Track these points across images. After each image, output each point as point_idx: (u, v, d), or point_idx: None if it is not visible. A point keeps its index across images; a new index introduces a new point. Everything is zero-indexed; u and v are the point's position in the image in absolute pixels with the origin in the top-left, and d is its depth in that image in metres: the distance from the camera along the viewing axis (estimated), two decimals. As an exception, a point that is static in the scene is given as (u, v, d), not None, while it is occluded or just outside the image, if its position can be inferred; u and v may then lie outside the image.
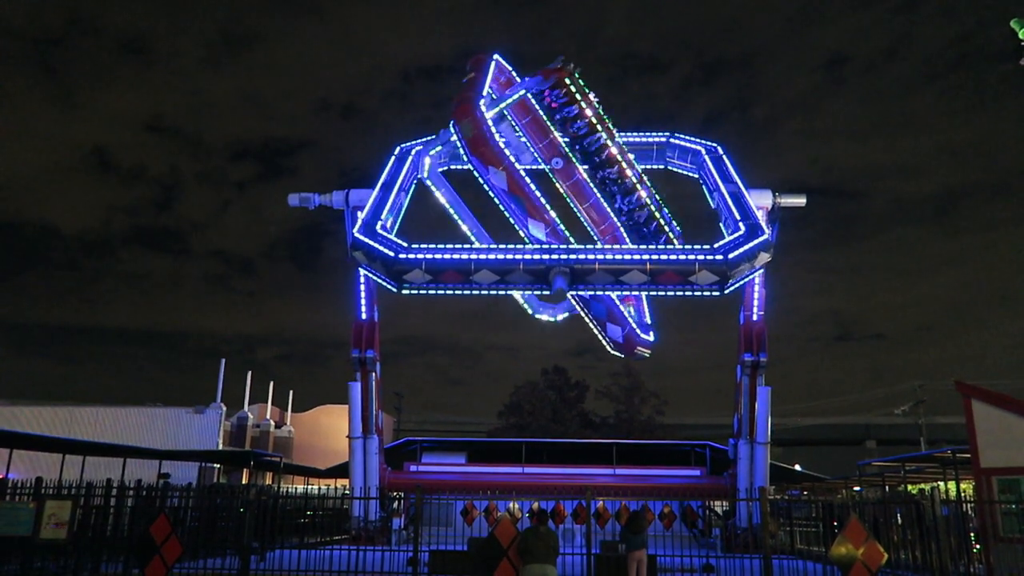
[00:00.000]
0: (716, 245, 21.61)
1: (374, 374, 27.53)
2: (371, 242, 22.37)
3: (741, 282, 21.86)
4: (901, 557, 19.00)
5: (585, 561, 16.17)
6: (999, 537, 15.77)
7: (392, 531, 26.60)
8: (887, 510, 20.06)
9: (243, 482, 42.95)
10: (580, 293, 22.79)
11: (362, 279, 26.97)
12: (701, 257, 20.74)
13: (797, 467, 47.10)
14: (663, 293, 21.78)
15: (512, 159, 23.30)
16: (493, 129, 23.33)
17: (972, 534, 18.49)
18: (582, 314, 25.94)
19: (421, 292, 21.69)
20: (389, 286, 21.95)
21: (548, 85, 25.73)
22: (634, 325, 25.35)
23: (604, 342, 25.81)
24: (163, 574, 13.55)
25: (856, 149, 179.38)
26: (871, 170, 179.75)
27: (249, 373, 56.24)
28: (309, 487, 41.22)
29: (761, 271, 23.49)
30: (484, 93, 24.45)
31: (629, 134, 28.38)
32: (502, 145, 23.25)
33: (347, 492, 27.88)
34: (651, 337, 26.11)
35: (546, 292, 20.99)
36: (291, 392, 63.25)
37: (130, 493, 18.85)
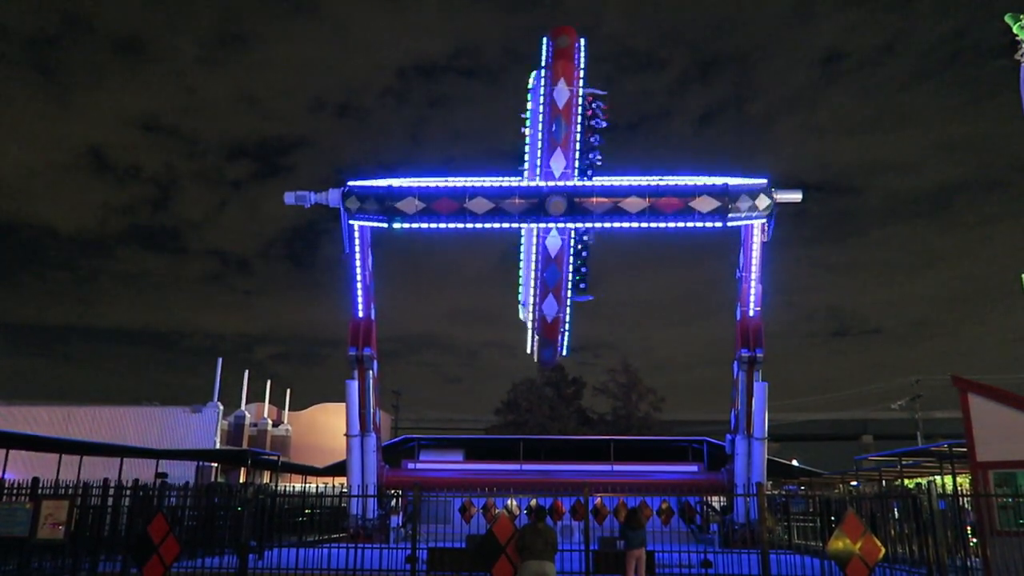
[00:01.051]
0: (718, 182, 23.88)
1: (371, 372, 27.51)
2: (363, 183, 23.72)
3: (742, 221, 21.87)
4: (898, 551, 19.05)
5: (583, 557, 16.19)
6: (995, 531, 15.80)
7: (390, 529, 26.60)
8: (884, 505, 20.11)
9: (241, 481, 42.92)
10: (576, 225, 22.30)
11: (358, 276, 26.92)
12: (701, 182, 20.96)
13: (794, 462, 47.21)
14: (663, 225, 21.75)
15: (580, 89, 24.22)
16: (582, 54, 24.81)
17: (969, 528, 18.55)
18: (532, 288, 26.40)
19: (414, 227, 21.34)
20: (380, 223, 21.95)
21: (599, 97, 26.60)
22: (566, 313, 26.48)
23: (528, 313, 26.41)
24: (161, 573, 13.54)
25: (852, 145, 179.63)
26: (867, 166, 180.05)
27: (246, 372, 56.18)
28: (307, 485, 41.19)
29: (763, 221, 23.60)
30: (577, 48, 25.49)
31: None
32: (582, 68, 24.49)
33: (345, 490, 27.87)
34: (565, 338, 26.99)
35: (543, 225, 20.89)
36: (288, 391, 63.18)
37: (127, 493, 18.82)
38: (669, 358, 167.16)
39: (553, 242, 24.74)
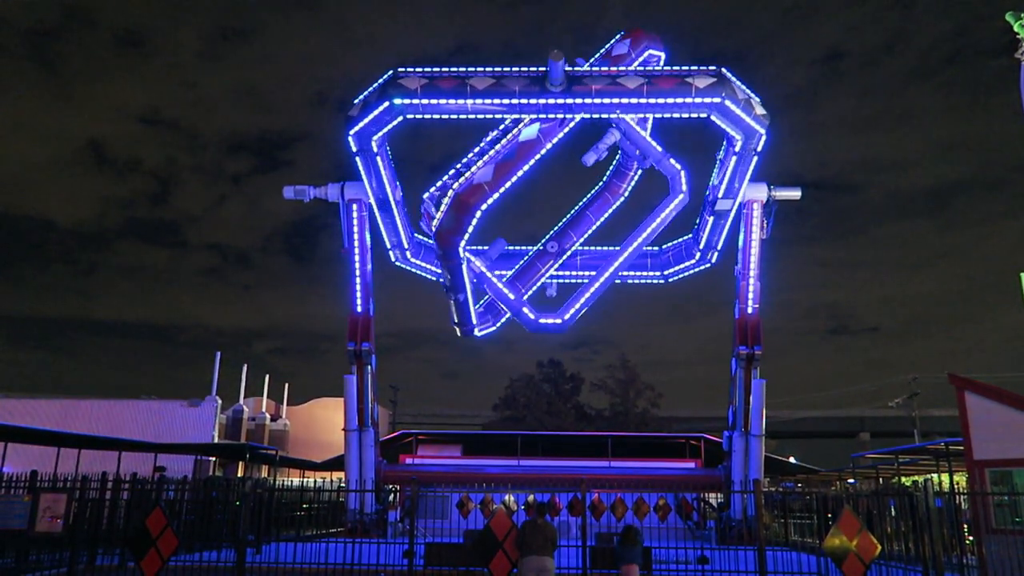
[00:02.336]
0: (666, 272, 29.08)
1: (370, 367, 27.52)
2: (416, 271, 26.71)
3: (739, 111, 21.41)
4: (894, 548, 19.12)
5: (581, 553, 16.24)
6: (992, 529, 15.85)
7: (388, 524, 26.65)
8: (881, 502, 20.17)
9: (239, 475, 42.95)
10: (576, 101, 21.47)
11: (357, 271, 26.90)
12: (696, 68, 21.21)
13: (791, 459, 47.30)
14: (661, 114, 21.86)
15: None
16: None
17: (965, 526, 18.63)
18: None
19: (415, 103, 20.79)
20: (383, 104, 21.12)
21: None
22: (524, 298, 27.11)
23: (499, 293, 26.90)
24: (159, 567, 13.55)
25: (851, 143, 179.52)
26: (867, 164, 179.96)
27: (245, 366, 56.07)
28: (305, 480, 41.23)
29: (761, 138, 22.41)
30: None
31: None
32: None
33: (343, 485, 27.91)
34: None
35: (542, 102, 20.53)
36: (287, 385, 63.10)
37: (125, 486, 18.84)
38: (667, 354, 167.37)
39: (529, 132, 22.95)
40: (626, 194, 28.66)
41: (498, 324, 29.48)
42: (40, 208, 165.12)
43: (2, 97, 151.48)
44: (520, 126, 22.88)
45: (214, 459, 43.58)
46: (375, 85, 21.81)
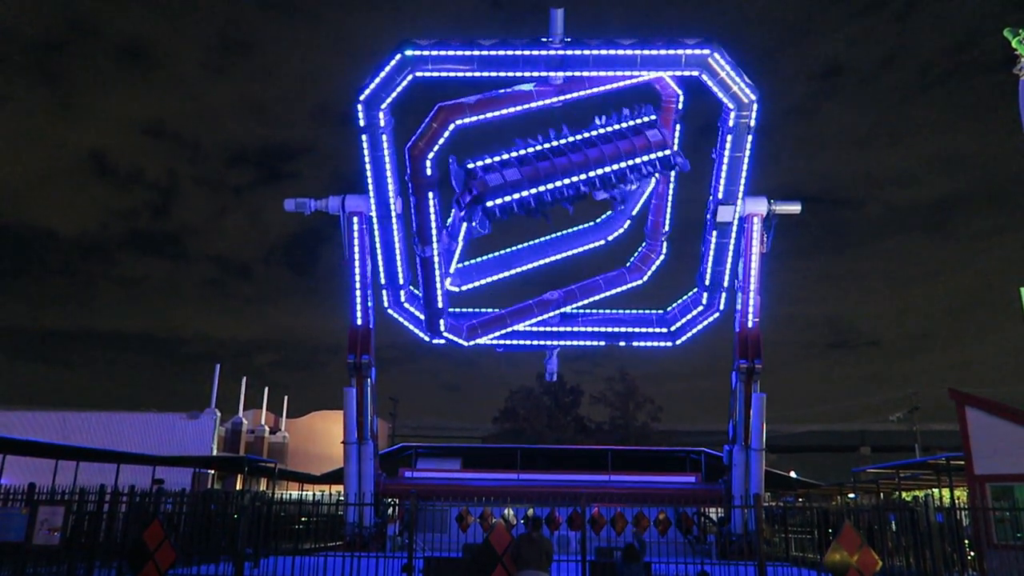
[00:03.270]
0: (674, 329, 28.31)
1: (369, 379, 27.48)
2: (404, 321, 27.51)
3: (724, 84, 22.78)
4: (895, 564, 19.01)
5: (580, 568, 16.16)
6: (993, 544, 15.81)
7: (387, 537, 26.52)
8: (882, 517, 20.08)
9: (237, 488, 42.81)
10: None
11: (357, 284, 26.93)
12: (657, 344, 27.75)
13: (792, 474, 47.16)
14: (653, 70, 23.64)
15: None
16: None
17: (966, 541, 18.54)
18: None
19: (427, 54, 22.48)
20: (393, 59, 22.74)
21: None
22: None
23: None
24: (156, 580, 13.49)
25: (851, 157, 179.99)
26: (867, 178, 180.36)
27: (244, 378, 56.07)
28: (304, 493, 41.10)
29: (753, 105, 23.48)
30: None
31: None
32: None
33: (342, 498, 27.80)
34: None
35: (543, 52, 22.29)
36: (286, 397, 63.00)
37: (123, 499, 18.77)
38: (667, 368, 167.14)
39: (524, 86, 23.82)
40: (645, 279, 29.05)
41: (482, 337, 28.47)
42: (41, 219, 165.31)
43: (5, 108, 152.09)
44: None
45: (213, 472, 43.45)
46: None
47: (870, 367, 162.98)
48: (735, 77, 22.60)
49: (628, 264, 29.36)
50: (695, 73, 22.86)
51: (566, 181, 23.19)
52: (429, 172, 23.18)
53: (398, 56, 22.41)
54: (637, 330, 28.62)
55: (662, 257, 28.99)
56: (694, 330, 28.03)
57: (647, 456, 37.26)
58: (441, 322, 26.78)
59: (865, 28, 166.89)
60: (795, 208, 26.45)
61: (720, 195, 24.51)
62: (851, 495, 36.51)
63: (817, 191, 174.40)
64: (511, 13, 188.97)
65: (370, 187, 25.55)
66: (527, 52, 22.34)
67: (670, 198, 27.68)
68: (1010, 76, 18.23)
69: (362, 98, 23.40)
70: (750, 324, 26.46)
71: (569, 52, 22.28)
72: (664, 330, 28.56)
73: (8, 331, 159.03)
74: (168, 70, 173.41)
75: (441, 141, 22.64)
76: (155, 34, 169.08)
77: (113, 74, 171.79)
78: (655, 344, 28.64)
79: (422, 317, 27.24)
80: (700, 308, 27.46)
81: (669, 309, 28.77)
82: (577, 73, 23.40)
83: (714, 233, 25.66)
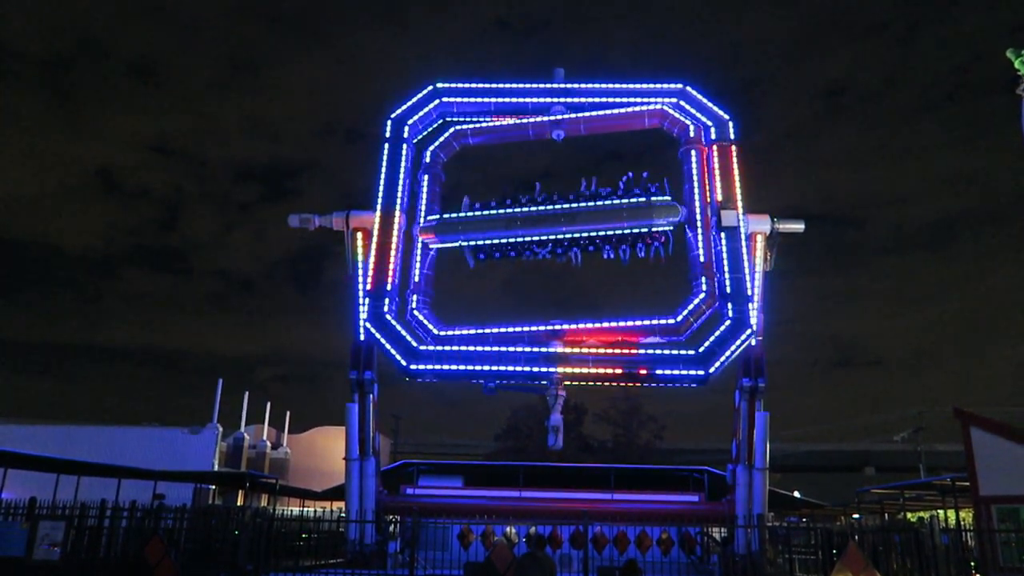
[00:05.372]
0: (701, 349, 24.64)
1: (372, 396, 27.44)
2: (382, 340, 26.12)
3: (699, 104, 27.58)
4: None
5: (582, 587, 16.05)
6: (999, 567, 15.67)
7: (388, 555, 26.34)
8: (886, 538, 19.94)
9: (239, 503, 42.64)
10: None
11: (362, 302, 26.99)
12: (684, 371, 24.43)
13: (796, 493, 46.84)
14: (636, 99, 28.05)
15: None
16: None
17: (972, 563, 18.39)
18: None
19: (453, 86, 28.49)
20: (425, 89, 28.37)
21: None
22: None
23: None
24: (156, 597, 13.44)
25: (854, 176, 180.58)
26: (870, 197, 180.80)
27: (246, 393, 56.03)
28: (305, 509, 40.94)
29: (729, 123, 27.31)
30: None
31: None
32: None
33: (343, 515, 27.67)
34: None
35: (549, 85, 28.38)
36: (288, 413, 62.92)
37: (124, 514, 18.72)
38: (670, 387, 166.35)
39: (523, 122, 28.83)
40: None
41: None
42: (47, 235, 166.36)
43: (15, 125, 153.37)
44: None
45: (214, 487, 43.32)
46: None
47: (874, 386, 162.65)
48: (709, 102, 27.49)
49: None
50: (674, 100, 27.82)
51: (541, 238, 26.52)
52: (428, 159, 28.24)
53: (429, 88, 27.96)
54: (657, 351, 25.04)
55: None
56: (728, 352, 24.54)
57: (650, 475, 37.03)
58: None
59: (868, 49, 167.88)
60: (798, 226, 26.48)
61: (719, 198, 25.61)
62: (855, 515, 36.28)
63: (820, 210, 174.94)
64: (516, 33, 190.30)
65: (380, 193, 26.45)
66: (533, 85, 28.37)
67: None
68: (1012, 96, 18.28)
69: (393, 115, 27.87)
70: (753, 342, 26.40)
71: (568, 85, 28.09)
72: (691, 352, 24.72)
73: (12, 345, 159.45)
74: (175, 88, 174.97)
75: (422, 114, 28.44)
76: (163, 53, 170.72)
77: (122, 92, 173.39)
78: (681, 371, 24.44)
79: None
80: (727, 324, 24.79)
81: (680, 318, 25.52)
82: (575, 101, 28.27)
83: (723, 236, 25.73)
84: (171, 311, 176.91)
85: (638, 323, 25.65)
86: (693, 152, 27.36)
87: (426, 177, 28.17)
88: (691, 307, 25.79)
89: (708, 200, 26.48)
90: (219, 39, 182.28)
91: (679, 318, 25.65)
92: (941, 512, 27.28)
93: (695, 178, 26.98)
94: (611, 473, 34.18)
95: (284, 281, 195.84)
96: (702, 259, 26.20)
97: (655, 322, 25.60)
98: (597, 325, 25.82)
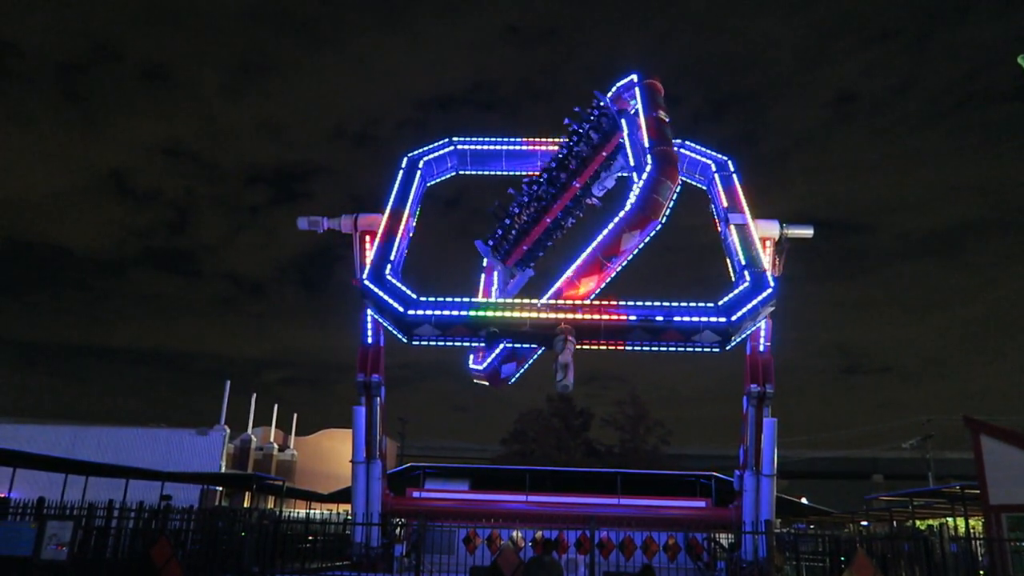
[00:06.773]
0: (720, 303, 21.09)
1: (379, 399, 27.41)
2: (380, 292, 22.63)
3: (700, 152, 27.40)
4: (909, 594, 18.73)
5: (588, 592, 15.99)
6: (1009, 576, 15.54)
7: (394, 558, 26.31)
8: (895, 546, 19.82)
9: (245, 505, 42.71)
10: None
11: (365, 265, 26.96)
12: (704, 319, 20.78)
13: (803, 500, 46.60)
14: (663, 349, 22.00)
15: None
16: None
17: (981, 572, 18.25)
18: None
19: (431, 344, 22.52)
20: (400, 336, 22.42)
21: None
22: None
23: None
24: (163, 598, 13.46)
25: (864, 184, 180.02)
26: (878, 205, 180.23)
27: (254, 395, 56.15)
28: (311, 511, 40.99)
29: (729, 162, 26.81)
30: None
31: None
32: None
33: (349, 517, 27.67)
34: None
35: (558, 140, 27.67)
36: (295, 415, 63.01)
37: (131, 515, 18.76)
38: (677, 391, 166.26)
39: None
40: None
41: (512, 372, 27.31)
42: (57, 236, 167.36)
43: (29, 127, 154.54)
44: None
45: (221, 489, 43.40)
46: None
47: (883, 393, 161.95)
48: (709, 149, 28.11)
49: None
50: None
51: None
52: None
53: (446, 140, 29.29)
54: (677, 305, 21.60)
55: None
56: (750, 305, 21.63)
57: (657, 480, 36.94)
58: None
59: (878, 56, 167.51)
60: (807, 232, 26.37)
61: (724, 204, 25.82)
62: (863, 523, 36.07)
63: (829, 217, 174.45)
64: (525, 38, 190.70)
65: (391, 196, 26.73)
66: (547, 138, 29.44)
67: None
68: (1022, 104, 18.22)
69: (410, 153, 28.89)
70: (761, 349, 26.27)
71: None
72: (710, 305, 21.44)
73: (22, 345, 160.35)
74: (188, 92, 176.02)
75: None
76: (176, 57, 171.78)
77: (134, 95, 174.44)
78: (705, 319, 21.00)
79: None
80: (746, 284, 22.32)
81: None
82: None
83: (732, 228, 25.20)
84: (180, 313, 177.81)
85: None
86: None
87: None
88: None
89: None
90: (231, 44, 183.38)
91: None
92: (950, 520, 27.09)
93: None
94: (618, 478, 34.12)
95: (293, 284, 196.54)
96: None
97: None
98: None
